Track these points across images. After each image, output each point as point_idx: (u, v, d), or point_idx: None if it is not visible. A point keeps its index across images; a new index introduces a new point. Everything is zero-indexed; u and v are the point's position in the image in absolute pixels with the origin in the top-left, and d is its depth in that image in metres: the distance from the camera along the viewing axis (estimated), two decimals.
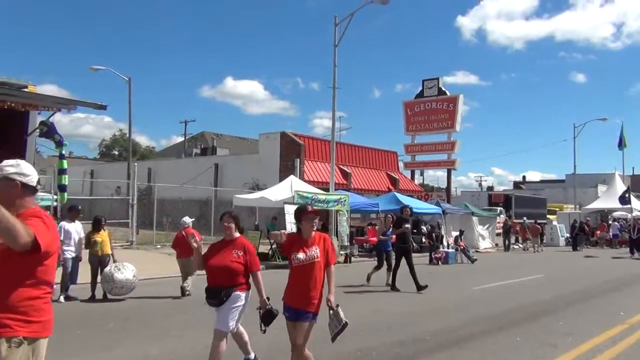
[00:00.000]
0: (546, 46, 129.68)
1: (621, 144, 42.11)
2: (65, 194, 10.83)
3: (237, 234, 5.55)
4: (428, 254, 20.36)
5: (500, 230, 29.28)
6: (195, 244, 5.42)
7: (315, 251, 4.90)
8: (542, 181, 79.86)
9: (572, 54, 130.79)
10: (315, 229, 5.01)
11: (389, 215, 14.10)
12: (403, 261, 12.78)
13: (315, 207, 19.65)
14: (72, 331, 7.46)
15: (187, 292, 10.59)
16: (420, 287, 12.19)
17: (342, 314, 5.03)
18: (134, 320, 8.56)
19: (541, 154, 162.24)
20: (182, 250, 10.53)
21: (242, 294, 5.42)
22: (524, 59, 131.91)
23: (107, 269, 9.96)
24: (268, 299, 5.40)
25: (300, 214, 5.06)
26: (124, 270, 9.96)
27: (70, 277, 10.11)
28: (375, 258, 14.29)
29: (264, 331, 5.39)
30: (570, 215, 36.63)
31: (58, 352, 6.30)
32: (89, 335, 7.33)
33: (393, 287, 12.59)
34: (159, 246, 20.40)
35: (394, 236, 13.22)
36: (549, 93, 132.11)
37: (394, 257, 13.12)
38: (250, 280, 5.49)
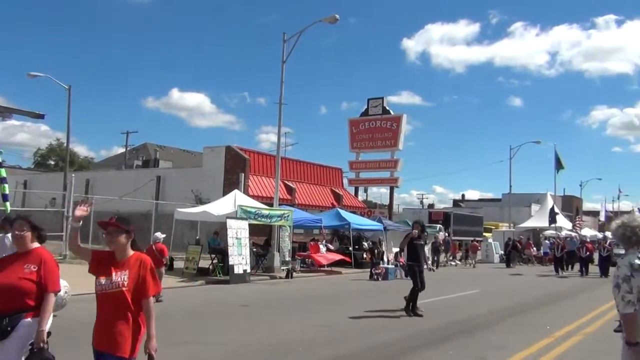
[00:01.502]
0: (486, 71, 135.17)
1: (557, 166, 44.30)
2: (8, 203, 10.34)
3: (35, 244, 4.28)
4: (369, 269, 20.63)
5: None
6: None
7: (123, 277, 3.76)
8: (480, 200, 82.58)
9: (509, 79, 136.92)
10: (127, 246, 3.91)
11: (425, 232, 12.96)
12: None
13: (258, 222, 19.54)
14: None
15: (160, 299, 11.10)
16: (410, 310, 11.32)
17: None
18: (68, 337, 8.25)
19: (480, 173, 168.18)
20: (153, 261, 10.79)
21: (34, 322, 3.98)
22: (464, 82, 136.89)
23: None
24: (49, 334, 4.04)
25: (101, 224, 3.95)
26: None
27: None
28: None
29: None
30: (505, 233, 38.07)
31: None
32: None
33: (414, 312, 11.38)
34: None
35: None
36: (487, 115, 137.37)
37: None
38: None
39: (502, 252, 33.66)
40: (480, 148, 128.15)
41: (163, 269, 12.96)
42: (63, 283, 9.73)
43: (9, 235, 9.91)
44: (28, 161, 71.47)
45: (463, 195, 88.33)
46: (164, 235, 13.15)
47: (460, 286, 18.06)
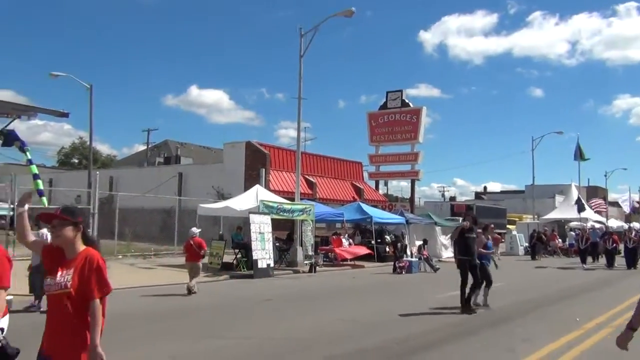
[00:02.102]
0: (504, 62, 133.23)
1: (577, 156, 43.57)
2: (45, 198, 10.50)
3: None
4: (392, 263, 20.54)
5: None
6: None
7: (67, 277, 3.36)
8: (502, 192, 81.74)
9: (529, 69, 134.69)
10: (75, 240, 3.50)
11: (492, 225, 12.50)
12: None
13: (280, 217, 19.63)
14: (32, 345, 7.26)
15: (194, 291, 12.40)
16: (466, 309, 10.69)
17: None
18: None
19: (501, 165, 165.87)
20: (190, 255, 13.00)
21: None
22: (483, 74, 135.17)
23: None
24: (2, 330, 3.93)
25: (44, 217, 3.63)
26: None
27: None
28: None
29: None
30: (529, 225, 37.61)
31: None
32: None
33: (468, 308, 10.75)
34: (120, 256, 20.03)
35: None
36: (507, 106, 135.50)
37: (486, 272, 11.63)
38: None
39: (527, 244, 33.28)
40: (501, 140, 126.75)
41: (200, 263, 13.32)
42: None
43: (42, 231, 10.13)
44: (52, 160, 72.65)
45: (485, 188, 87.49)
46: (199, 230, 13.68)
47: None
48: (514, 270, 22.74)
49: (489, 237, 12.35)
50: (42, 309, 9.85)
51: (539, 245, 30.91)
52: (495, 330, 9.02)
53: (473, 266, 10.98)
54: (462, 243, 11.10)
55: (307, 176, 30.08)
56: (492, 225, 12.64)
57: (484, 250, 11.91)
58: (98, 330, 3.38)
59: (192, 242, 13.04)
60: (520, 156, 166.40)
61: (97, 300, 3.38)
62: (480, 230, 12.02)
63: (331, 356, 6.86)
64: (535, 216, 42.73)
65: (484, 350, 7.49)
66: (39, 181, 10.58)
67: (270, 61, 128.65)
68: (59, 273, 3.37)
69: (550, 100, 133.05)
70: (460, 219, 32.10)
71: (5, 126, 9.86)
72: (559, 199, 52.42)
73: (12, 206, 19.25)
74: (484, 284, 11.45)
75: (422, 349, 7.44)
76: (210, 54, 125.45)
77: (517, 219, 45.38)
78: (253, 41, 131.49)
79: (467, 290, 10.92)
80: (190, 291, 12.39)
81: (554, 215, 39.76)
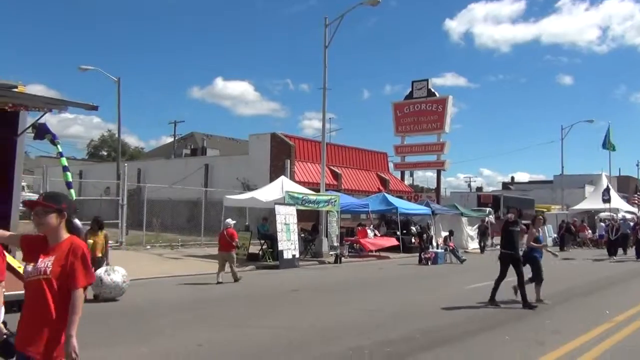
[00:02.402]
0: (532, 49, 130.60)
1: (605, 144, 42.62)
2: (73, 190, 10.74)
3: None
4: (418, 254, 20.46)
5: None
6: None
7: (47, 263, 3.25)
8: (530, 182, 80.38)
9: (558, 56, 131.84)
10: (59, 228, 3.36)
11: (540, 217, 12.15)
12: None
13: (306, 207, 19.69)
14: None
15: (239, 278, 13.34)
16: (527, 305, 10.31)
17: None
18: (125, 320, 8.57)
19: (529, 155, 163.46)
20: (222, 245, 13.71)
21: None
22: (510, 62, 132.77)
23: (97, 273, 9.93)
24: (5, 324, 3.90)
25: (28, 204, 3.60)
26: (114, 274, 9.95)
27: None
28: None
29: None
30: (558, 215, 36.97)
31: None
32: (79, 335, 7.31)
33: (493, 302, 10.51)
34: (148, 247, 20.35)
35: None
36: (536, 95, 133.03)
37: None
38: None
39: (555, 235, 32.75)
40: (528, 129, 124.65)
41: (234, 252, 13.89)
42: (122, 271, 10.09)
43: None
44: (81, 152, 74.12)
45: (512, 178, 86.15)
46: (234, 222, 14.39)
47: (510, 270, 17.67)
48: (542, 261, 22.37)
49: (539, 229, 11.91)
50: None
51: (567, 236, 30.40)
52: (523, 322, 8.92)
53: (516, 260, 10.70)
54: (505, 236, 10.85)
55: (332, 167, 30.07)
56: (541, 217, 12.13)
57: (535, 244, 11.50)
58: (76, 321, 3.26)
59: (225, 233, 13.73)
60: (548, 146, 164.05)
61: (81, 290, 3.28)
62: (528, 223, 11.78)
63: (358, 347, 6.88)
64: (564, 207, 41.99)
65: (511, 342, 7.41)
66: (68, 173, 10.79)
67: (295, 52, 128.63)
68: (40, 259, 3.26)
69: (580, 88, 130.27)
70: (487, 209, 31.92)
71: (37, 119, 10.06)
72: (588, 189, 51.29)
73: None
74: (535, 278, 11.13)
75: (449, 341, 7.40)
76: (235, 46, 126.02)
77: (545, 210, 44.59)
78: (278, 32, 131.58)
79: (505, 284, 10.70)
80: (235, 279, 13.37)
81: (583, 205, 39.02)
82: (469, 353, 6.78)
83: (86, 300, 9.82)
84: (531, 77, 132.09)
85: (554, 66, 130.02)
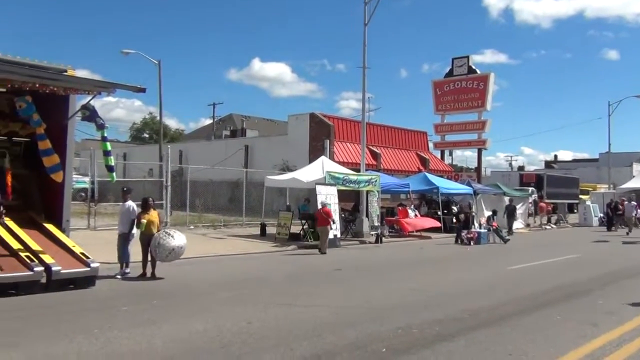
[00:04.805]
0: (575, 24, 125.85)
1: None
2: (114, 173, 11.04)
3: None
4: (455, 234, 20.12)
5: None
6: None
7: None
8: (574, 160, 78.19)
9: (602, 31, 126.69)
10: None
11: None
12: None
13: (346, 188, 19.72)
14: (117, 307, 7.71)
15: (322, 252, 15.21)
16: None
17: None
18: (176, 297, 8.79)
19: (572, 132, 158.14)
20: (320, 221, 15.77)
21: None
22: (552, 38, 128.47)
23: (155, 237, 10.15)
24: None
25: None
26: (174, 236, 10.14)
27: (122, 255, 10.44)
28: None
29: None
30: (605, 194, 35.88)
31: (106, 327, 6.54)
32: (135, 311, 7.56)
33: None
34: (192, 227, 20.74)
35: None
36: (580, 70, 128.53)
37: None
38: None
39: (602, 215, 31.84)
40: (572, 105, 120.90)
41: (329, 227, 15.85)
42: (182, 237, 10.31)
43: (127, 203, 10.66)
44: (124, 135, 75.78)
45: (555, 156, 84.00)
46: (329, 202, 16.43)
47: (558, 250, 17.32)
48: (588, 241, 21.84)
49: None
50: (123, 274, 10.38)
51: (615, 216, 29.46)
52: (574, 302, 8.74)
53: None
54: None
55: (371, 147, 29.87)
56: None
57: None
58: None
59: (321, 211, 15.75)
60: (592, 123, 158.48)
61: None
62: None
63: (407, 325, 6.87)
64: (611, 185, 40.67)
65: (564, 322, 7.27)
66: (111, 157, 11.08)
67: (331, 32, 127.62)
68: None
69: (627, 63, 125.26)
70: (530, 188, 31.18)
71: (87, 102, 10.31)
72: (637, 167, 49.63)
73: (91, 180, 20.30)
74: None
75: (497, 321, 7.31)
76: (272, 27, 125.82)
77: (590, 189, 43.33)
78: (314, 12, 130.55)
79: None
80: (321, 251, 15.27)
81: (631, 184, 37.68)
82: (521, 332, 6.68)
83: (136, 278, 10.09)
84: (575, 52, 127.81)
85: (599, 41, 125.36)
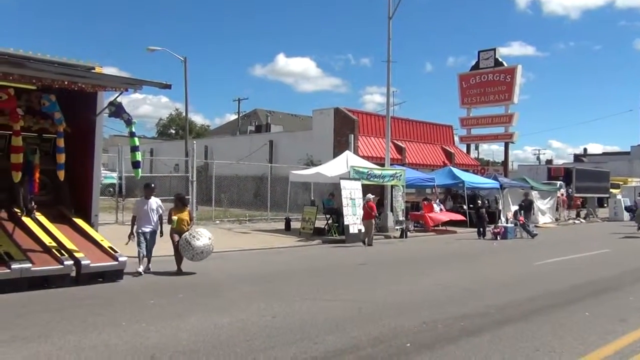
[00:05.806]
0: (605, 15, 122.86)
1: None
2: (139, 170, 11.18)
3: None
4: (482, 229, 19.73)
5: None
6: None
7: None
8: (604, 153, 76.49)
9: (634, 22, 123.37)
10: None
11: None
12: None
13: (371, 182, 19.75)
14: (144, 301, 7.84)
15: (368, 244, 15.89)
16: None
17: None
18: (202, 291, 8.89)
19: (602, 125, 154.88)
20: (365, 214, 16.35)
21: None
22: (581, 29, 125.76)
23: (182, 237, 10.22)
24: None
25: None
26: (200, 237, 10.23)
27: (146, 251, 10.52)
28: None
29: None
30: (636, 188, 35.08)
31: (134, 320, 6.66)
32: (161, 305, 7.67)
33: None
34: (217, 222, 20.94)
35: None
36: (610, 62, 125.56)
37: None
38: None
39: (634, 209, 31.11)
40: (601, 98, 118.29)
41: (374, 221, 16.66)
42: (207, 234, 10.37)
43: (152, 200, 10.75)
44: (151, 131, 76.84)
45: (585, 150, 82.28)
46: (373, 196, 16.88)
47: (587, 245, 16.99)
48: (618, 236, 21.38)
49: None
50: (142, 270, 10.37)
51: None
52: (604, 298, 8.57)
53: None
54: None
55: (395, 141, 29.69)
56: None
57: None
58: None
59: (366, 205, 16.32)
60: (622, 116, 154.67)
61: None
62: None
63: (432, 320, 6.83)
64: None
65: (593, 319, 7.14)
66: (138, 153, 11.17)
67: (356, 26, 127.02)
68: None
69: None
70: (559, 182, 30.64)
71: (115, 98, 10.46)
72: None
73: (119, 175, 20.63)
74: None
75: (524, 317, 7.21)
76: (296, 22, 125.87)
77: (621, 183, 42.38)
78: (339, 6, 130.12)
79: None
80: (365, 243, 15.95)
81: None
82: (548, 328, 6.58)
83: (182, 273, 10.15)
84: (605, 43, 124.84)
85: (630, 32, 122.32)
